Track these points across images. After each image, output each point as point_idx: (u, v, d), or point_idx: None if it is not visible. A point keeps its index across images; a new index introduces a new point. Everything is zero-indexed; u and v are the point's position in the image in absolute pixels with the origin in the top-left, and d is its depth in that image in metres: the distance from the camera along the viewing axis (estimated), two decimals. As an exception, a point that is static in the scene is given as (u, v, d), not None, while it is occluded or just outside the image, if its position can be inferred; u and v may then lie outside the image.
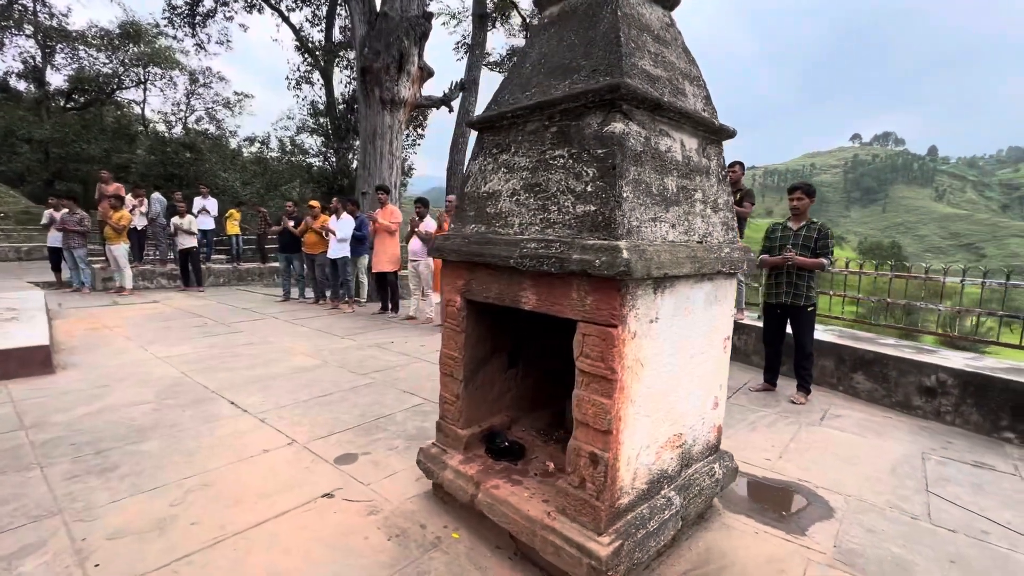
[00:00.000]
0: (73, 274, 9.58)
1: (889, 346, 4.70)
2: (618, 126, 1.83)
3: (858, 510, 2.68)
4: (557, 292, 1.93)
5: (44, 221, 9.34)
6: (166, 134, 27.86)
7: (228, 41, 22.26)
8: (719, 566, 2.18)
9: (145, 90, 30.19)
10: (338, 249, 8.05)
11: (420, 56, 9.50)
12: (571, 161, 1.95)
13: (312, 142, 22.27)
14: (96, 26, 26.67)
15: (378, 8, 9.34)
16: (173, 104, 29.78)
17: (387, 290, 8.06)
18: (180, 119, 30.01)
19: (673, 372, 2.09)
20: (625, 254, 1.66)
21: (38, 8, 24.69)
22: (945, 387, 4.04)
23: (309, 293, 9.29)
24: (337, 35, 19.77)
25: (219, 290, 10.59)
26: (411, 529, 2.36)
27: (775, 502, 2.75)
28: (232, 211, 12.21)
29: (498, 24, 15.95)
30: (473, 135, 2.59)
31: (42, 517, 2.36)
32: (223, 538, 2.25)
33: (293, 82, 20.22)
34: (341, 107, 19.63)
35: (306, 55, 19.63)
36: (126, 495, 2.57)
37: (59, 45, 25.94)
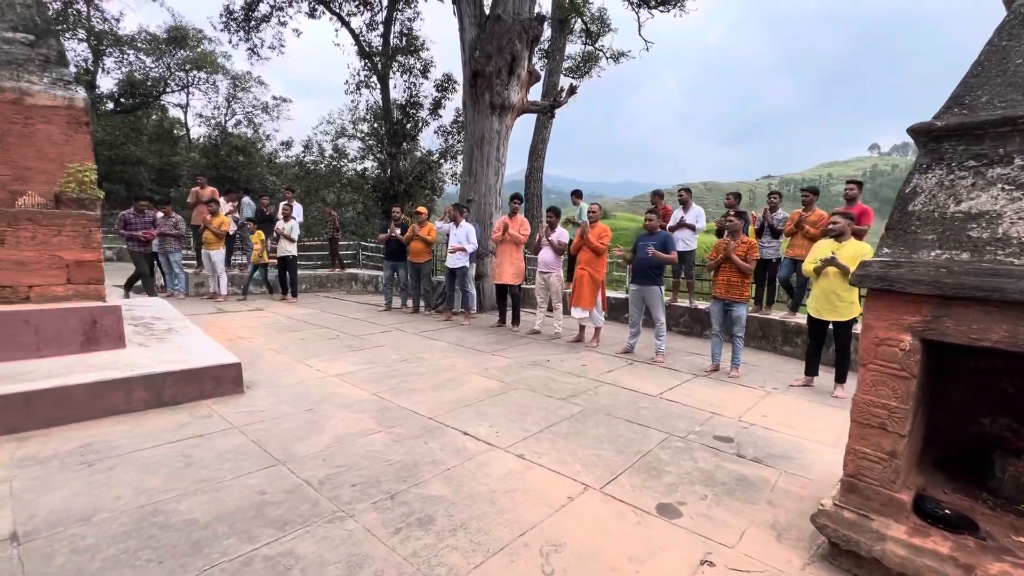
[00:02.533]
0: (168, 279, 9.37)
1: None
2: None
3: None
4: None
5: (143, 225, 9.11)
6: (211, 137, 27.99)
7: (282, 46, 22.24)
8: None
9: (188, 94, 30.42)
10: (459, 258, 7.72)
11: (530, 60, 9.19)
12: None
13: (353, 147, 22.06)
14: (145, 31, 26.90)
15: (487, 11, 9.06)
16: (214, 108, 29.92)
17: (507, 302, 7.70)
18: (219, 123, 30.04)
19: None
20: None
21: (91, 12, 24.92)
22: None
23: (403, 302, 9.00)
24: (394, 40, 19.62)
25: (305, 297, 10.30)
26: (861, 615, 1.96)
27: None
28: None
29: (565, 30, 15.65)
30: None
31: (418, 589, 1.99)
32: (656, 625, 1.86)
33: (353, 86, 20.05)
34: (397, 112, 19.43)
35: (366, 60, 19.45)
36: (480, 558, 2.20)
37: (109, 49, 26.18)
